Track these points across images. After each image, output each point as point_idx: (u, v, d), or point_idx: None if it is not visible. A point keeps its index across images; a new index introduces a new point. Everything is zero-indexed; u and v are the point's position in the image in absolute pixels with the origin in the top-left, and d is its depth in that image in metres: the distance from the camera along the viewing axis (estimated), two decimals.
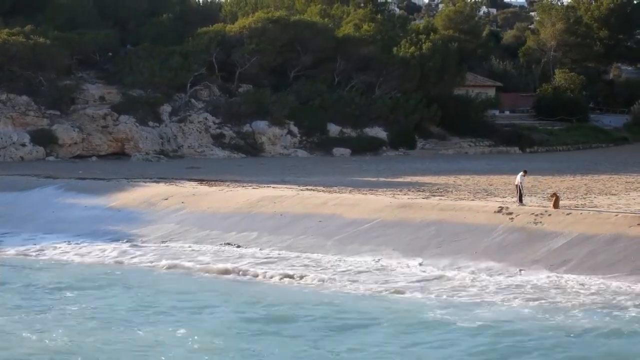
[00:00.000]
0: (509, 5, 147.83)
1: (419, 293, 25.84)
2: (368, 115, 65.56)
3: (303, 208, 35.58)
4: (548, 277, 27.01)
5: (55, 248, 33.08)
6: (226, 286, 27.36)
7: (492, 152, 68.07)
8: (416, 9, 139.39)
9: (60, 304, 24.67)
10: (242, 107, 63.24)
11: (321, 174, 47.21)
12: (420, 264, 29.16)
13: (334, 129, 64.87)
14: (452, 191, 38.92)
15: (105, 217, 37.62)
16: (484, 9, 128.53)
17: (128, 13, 71.25)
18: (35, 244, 33.73)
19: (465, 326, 22.12)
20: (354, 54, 67.15)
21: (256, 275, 28.54)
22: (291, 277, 28.14)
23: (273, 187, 40.50)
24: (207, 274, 29.00)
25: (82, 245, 33.52)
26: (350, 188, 39.86)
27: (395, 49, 68.40)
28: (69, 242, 34.03)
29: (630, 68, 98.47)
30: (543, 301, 24.60)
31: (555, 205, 31.85)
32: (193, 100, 63.80)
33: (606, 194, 37.21)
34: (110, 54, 66.16)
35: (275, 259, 30.62)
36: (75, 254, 32.15)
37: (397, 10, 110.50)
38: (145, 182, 43.18)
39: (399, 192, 38.22)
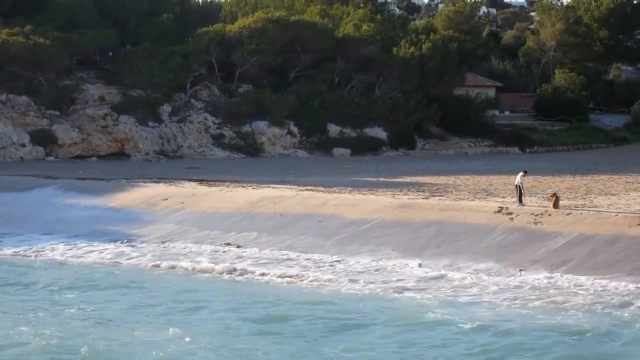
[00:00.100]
0: (509, 5, 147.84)
1: (418, 293, 25.83)
2: (368, 116, 65.55)
3: (303, 208, 35.57)
4: (548, 277, 26.99)
5: (54, 248, 33.06)
6: (226, 286, 27.34)
7: (492, 152, 68.05)
8: (416, 9, 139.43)
9: (60, 304, 24.67)
10: (242, 107, 63.23)
11: (321, 174, 47.20)
12: (420, 264, 29.15)
13: (333, 129, 64.86)
14: (452, 191, 38.91)
15: (105, 218, 37.60)
16: (484, 9, 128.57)
17: (128, 13, 71.23)
18: (34, 244, 33.69)
19: (465, 326, 22.11)
20: (353, 54, 67.14)
21: (256, 275, 28.52)
22: (291, 277, 28.13)
23: (273, 188, 40.49)
24: (206, 274, 29.00)
25: (81, 245, 33.50)
26: (350, 188, 39.85)
27: (395, 49, 68.38)
28: (68, 242, 34.00)
29: (630, 68, 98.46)
30: (543, 301, 24.58)
31: (555, 205, 31.84)
32: (193, 101, 63.79)
33: (606, 194, 37.20)
34: (110, 54, 66.15)
35: (275, 259, 30.61)
36: (75, 254, 32.12)
37: (397, 10, 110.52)
38: (145, 182, 43.17)
39: (398, 193, 38.21)
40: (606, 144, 75.01)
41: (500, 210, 32.27)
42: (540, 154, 67.57)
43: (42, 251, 32.63)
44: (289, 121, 63.72)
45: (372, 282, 27.11)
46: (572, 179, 45.27)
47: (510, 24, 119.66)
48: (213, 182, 42.90)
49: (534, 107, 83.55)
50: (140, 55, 63.99)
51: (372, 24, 70.30)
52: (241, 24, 67.52)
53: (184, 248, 32.81)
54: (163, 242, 33.75)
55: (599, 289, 25.69)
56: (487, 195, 37.28)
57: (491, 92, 79.13)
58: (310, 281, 27.58)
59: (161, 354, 19.92)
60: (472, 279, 27.31)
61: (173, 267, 29.90)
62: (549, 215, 31.11)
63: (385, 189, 39.65)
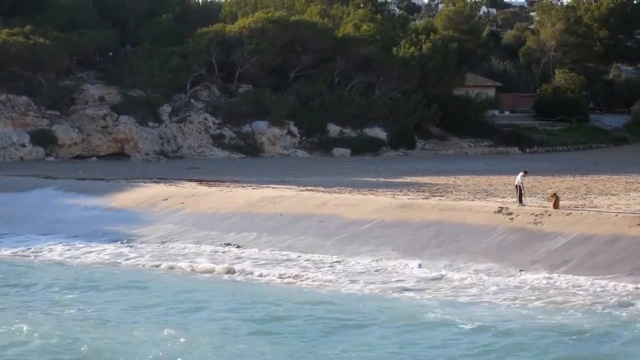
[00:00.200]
0: (509, 5, 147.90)
1: (418, 293, 25.81)
2: (368, 116, 65.57)
3: (303, 208, 35.56)
4: (547, 277, 26.97)
5: (54, 248, 33.05)
6: (226, 286, 27.32)
7: (492, 152, 68.07)
8: (416, 9, 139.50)
9: (60, 304, 24.65)
10: (242, 107, 63.24)
11: (321, 174, 47.20)
12: (420, 265, 29.14)
13: (333, 129, 64.87)
14: (451, 191, 38.90)
15: (105, 218, 37.60)
16: (484, 9, 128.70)
17: (128, 13, 71.26)
18: (34, 245, 33.68)
19: (465, 326, 22.09)
20: (353, 54, 67.17)
21: (256, 276, 28.51)
22: (291, 277, 28.12)
23: (273, 188, 40.48)
24: (206, 275, 28.99)
25: (81, 245, 33.49)
26: (350, 188, 39.85)
27: (395, 49, 68.40)
28: (68, 242, 34.00)
29: (630, 68, 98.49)
30: (542, 301, 24.57)
31: (555, 205, 31.83)
32: (193, 101, 63.80)
33: (606, 194, 37.20)
34: (110, 54, 66.21)
35: (275, 260, 30.60)
36: (75, 255, 32.11)
37: (397, 10, 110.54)
38: (145, 182, 43.17)
39: (398, 193, 38.20)
40: (606, 144, 75.04)
41: (500, 210, 32.27)
42: (540, 154, 67.58)
43: (41, 251, 32.60)
44: (289, 121, 63.74)
45: (372, 283, 27.09)
46: (572, 179, 45.27)
47: (510, 24, 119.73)
48: (213, 183, 42.90)
49: (534, 107, 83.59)
50: (140, 56, 64.02)
51: (372, 24, 70.33)
52: (241, 24, 67.56)
53: (184, 248, 32.81)
54: (163, 243, 33.75)
55: (599, 289, 25.68)
56: (487, 195, 37.27)
57: (491, 92, 79.18)
58: (311, 281, 27.57)
59: (160, 354, 19.91)
60: (472, 279, 27.31)
61: (173, 268, 29.89)
62: (549, 215, 31.11)
63: (385, 189, 39.65)
